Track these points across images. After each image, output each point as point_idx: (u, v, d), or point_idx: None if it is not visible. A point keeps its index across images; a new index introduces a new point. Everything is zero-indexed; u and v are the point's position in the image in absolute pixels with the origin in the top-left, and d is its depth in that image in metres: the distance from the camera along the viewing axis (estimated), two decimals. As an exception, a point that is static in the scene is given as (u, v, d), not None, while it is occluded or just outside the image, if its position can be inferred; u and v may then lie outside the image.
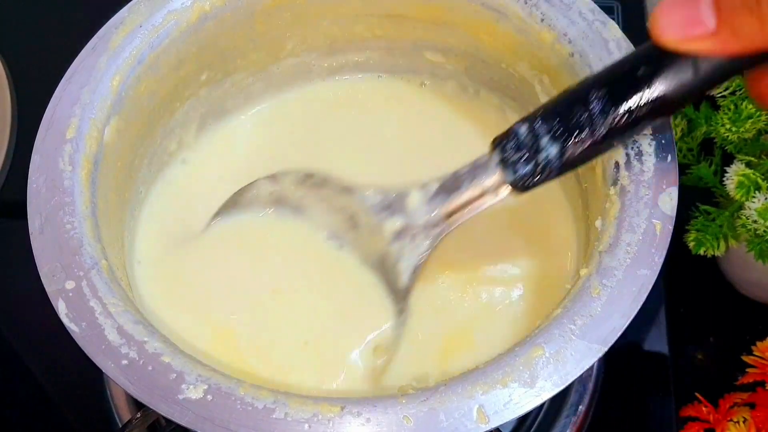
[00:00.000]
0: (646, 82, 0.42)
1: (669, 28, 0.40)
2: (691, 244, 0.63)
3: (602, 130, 0.43)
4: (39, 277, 0.46)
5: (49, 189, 0.49)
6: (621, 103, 0.43)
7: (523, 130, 0.45)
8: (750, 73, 0.42)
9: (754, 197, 0.58)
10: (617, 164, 0.49)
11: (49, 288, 0.46)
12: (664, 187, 0.48)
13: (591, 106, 0.43)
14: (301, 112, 0.65)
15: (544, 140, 0.44)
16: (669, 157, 0.48)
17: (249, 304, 0.55)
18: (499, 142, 0.46)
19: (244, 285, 0.56)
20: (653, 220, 0.47)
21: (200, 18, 0.56)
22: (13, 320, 0.73)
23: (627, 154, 0.49)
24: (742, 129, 0.60)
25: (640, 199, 0.47)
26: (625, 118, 0.43)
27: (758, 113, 0.59)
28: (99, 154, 0.51)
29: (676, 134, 0.64)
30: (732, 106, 0.60)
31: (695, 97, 0.44)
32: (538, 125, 0.45)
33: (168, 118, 0.59)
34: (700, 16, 0.39)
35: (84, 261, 0.47)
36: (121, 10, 0.55)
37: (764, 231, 0.58)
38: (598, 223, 0.49)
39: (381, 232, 0.52)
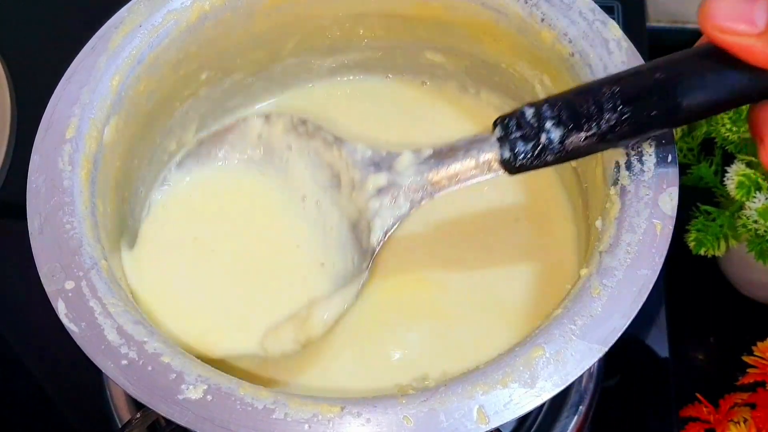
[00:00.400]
0: (661, 87, 0.42)
1: (716, 15, 0.38)
2: (692, 245, 0.63)
3: (608, 126, 0.43)
4: (38, 278, 0.46)
5: (48, 189, 0.49)
6: (632, 103, 0.43)
7: (530, 111, 0.45)
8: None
9: (754, 197, 0.58)
10: (617, 164, 0.49)
11: (49, 288, 0.46)
12: (665, 187, 0.48)
13: (602, 100, 0.43)
14: (301, 111, 0.65)
15: (549, 124, 0.44)
16: (669, 157, 0.48)
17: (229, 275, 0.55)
18: (503, 120, 0.46)
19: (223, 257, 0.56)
20: (653, 220, 0.47)
21: (200, 18, 0.56)
22: (12, 320, 0.73)
23: (627, 154, 0.49)
24: (742, 129, 0.60)
25: (640, 199, 0.47)
26: (633, 118, 0.43)
27: (759, 113, 0.59)
28: (99, 153, 0.51)
29: (676, 134, 0.64)
30: (732, 106, 0.60)
31: (707, 113, 0.43)
32: (545, 109, 0.44)
33: (168, 118, 0.59)
34: (752, 13, 0.38)
35: (83, 261, 0.46)
36: (121, 10, 0.55)
37: (765, 231, 0.58)
38: (598, 223, 0.49)
39: (363, 187, 0.52)
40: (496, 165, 0.46)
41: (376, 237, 0.51)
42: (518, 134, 0.45)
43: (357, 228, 0.53)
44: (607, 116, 0.43)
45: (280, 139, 0.56)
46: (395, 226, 0.51)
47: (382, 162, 0.51)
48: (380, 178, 0.51)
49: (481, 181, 0.48)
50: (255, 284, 0.55)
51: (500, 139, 0.46)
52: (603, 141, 0.44)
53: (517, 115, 0.45)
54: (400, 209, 0.50)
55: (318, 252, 0.54)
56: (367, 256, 0.52)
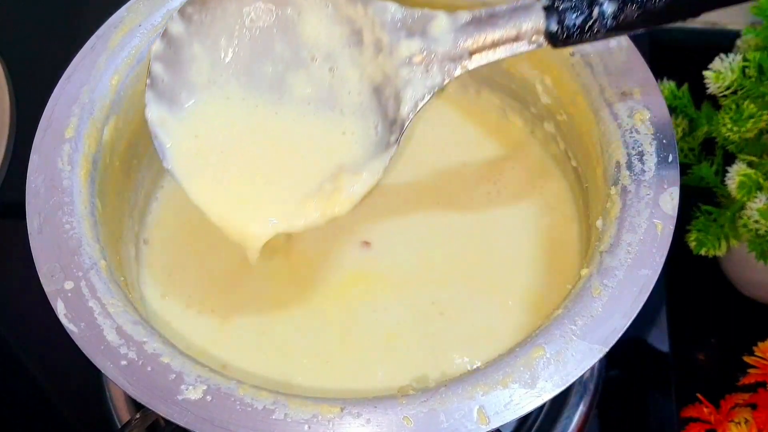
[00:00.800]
0: None
1: None
2: (693, 245, 0.63)
3: (661, 5, 0.41)
4: (38, 277, 0.46)
5: (48, 189, 0.48)
6: None
7: None
8: None
9: (755, 197, 0.57)
10: (618, 164, 0.49)
11: (48, 288, 0.46)
12: (666, 187, 0.48)
13: None
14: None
15: None
16: (670, 157, 0.48)
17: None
18: None
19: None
20: (654, 220, 0.47)
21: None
22: (11, 320, 0.73)
23: (628, 154, 0.49)
24: (743, 129, 0.59)
25: (641, 199, 0.47)
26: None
27: (760, 113, 0.59)
28: (98, 153, 0.51)
29: (677, 134, 0.64)
30: (733, 106, 0.60)
31: None
32: None
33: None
34: None
35: (83, 261, 0.46)
36: (120, 10, 0.55)
37: (765, 231, 0.58)
38: (599, 223, 0.49)
39: (392, 52, 0.47)
40: (540, 36, 0.44)
41: (406, 108, 0.47)
42: (568, 4, 0.43)
43: (381, 94, 0.49)
44: None
45: None
46: (428, 99, 0.47)
47: (414, 25, 0.47)
48: (412, 45, 0.47)
49: (522, 53, 0.45)
50: (280, 160, 0.50)
51: (547, 8, 0.43)
52: (659, 14, 0.42)
53: None
54: (433, 79, 0.47)
55: (335, 119, 0.50)
56: (396, 129, 0.48)
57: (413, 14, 0.47)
